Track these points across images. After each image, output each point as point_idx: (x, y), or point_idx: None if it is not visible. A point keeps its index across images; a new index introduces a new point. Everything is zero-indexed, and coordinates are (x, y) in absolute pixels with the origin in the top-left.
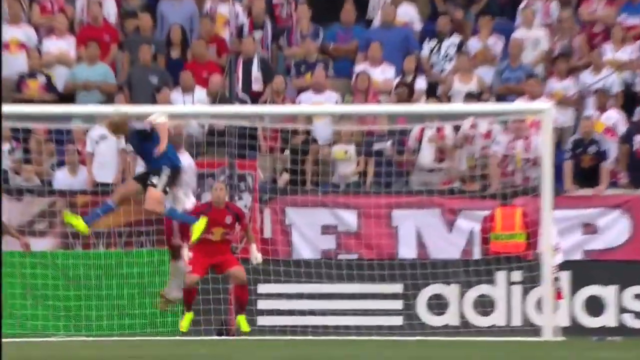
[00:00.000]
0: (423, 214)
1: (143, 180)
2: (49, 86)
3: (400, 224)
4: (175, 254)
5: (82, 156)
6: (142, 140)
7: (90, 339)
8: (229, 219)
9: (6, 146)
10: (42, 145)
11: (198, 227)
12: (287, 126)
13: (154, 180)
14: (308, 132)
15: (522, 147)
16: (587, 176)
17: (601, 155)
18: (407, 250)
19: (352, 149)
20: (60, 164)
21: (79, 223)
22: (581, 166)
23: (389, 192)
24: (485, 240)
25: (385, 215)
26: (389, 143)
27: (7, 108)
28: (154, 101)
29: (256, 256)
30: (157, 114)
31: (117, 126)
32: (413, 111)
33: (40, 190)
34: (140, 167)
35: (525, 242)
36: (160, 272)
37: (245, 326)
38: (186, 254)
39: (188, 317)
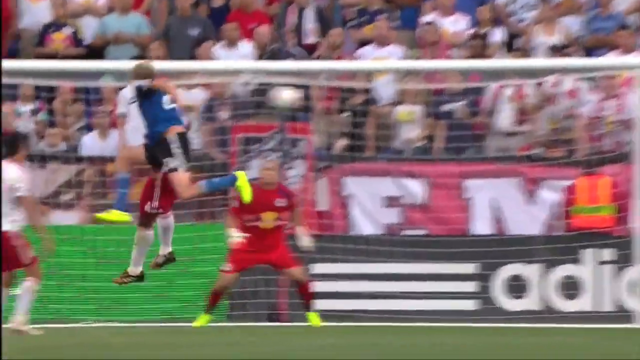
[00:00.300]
0: (500, 184)
1: (154, 160)
2: (76, 39)
3: (474, 195)
4: (147, 222)
5: (113, 118)
6: (142, 98)
7: (124, 324)
8: (280, 202)
9: (29, 106)
10: (69, 105)
11: (243, 185)
12: (344, 84)
13: (172, 164)
14: (368, 91)
15: (613, 107)
16: None
17: None
18: (481, 225)
19: (418, 110)
20: (89, 127)
21: (116, 216)
22: None
23: (461, 159)
24: (566, 214)
25: (457, 186)
26: (460, 103)
27: (29, 64)
28: (193, 56)
29: (305, 241)
30: (287, 92)
31: (145, 71)
32: (489, 67)
33: (67, 156)
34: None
35: (614, 216)
36: (202, 249)
37: (317, 322)
38: (235, 234)
39: (205, 318)
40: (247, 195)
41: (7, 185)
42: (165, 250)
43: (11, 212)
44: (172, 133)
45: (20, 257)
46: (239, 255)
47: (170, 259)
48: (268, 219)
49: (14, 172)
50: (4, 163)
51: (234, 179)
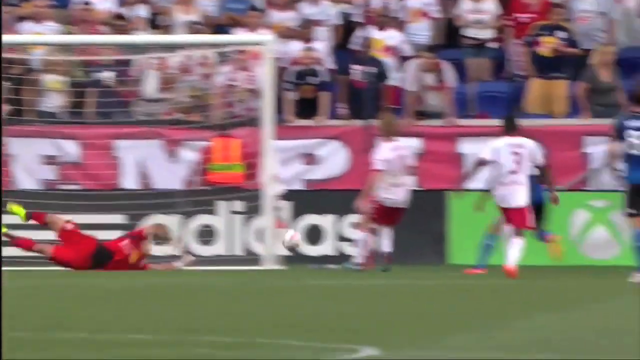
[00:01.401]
0: (145, 145)
1: None
2: None
3: (122, 155)
4: None
5: None
6: None
7: None
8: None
9: None
10: None
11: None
12: (5, 55)
13: None
14: (25, 62)
15: (243, 78)
16: (308, 107)
17: (322, 86)
18: (129, 181)
19: (65, 79)
20: None
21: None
22: (302, 97)
23: (111, 123)
24: (204, 171)
25: (108, 146)
26: (110, 73)
27: None
28: None
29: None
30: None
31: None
32: (135, 42)
33: None
34: None
35: (245, 172)
36: None
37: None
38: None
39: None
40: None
41: None
42: None
43: None
44: None
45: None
46: None
47: None
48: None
49: None
50: None
51: None
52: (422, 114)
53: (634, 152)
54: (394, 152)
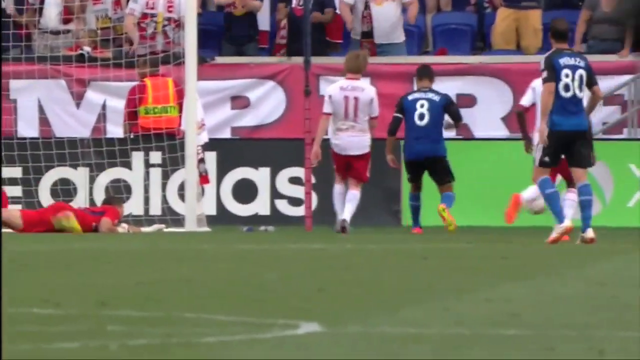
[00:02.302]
0: (46, 85)
1: None
2: None
3: (19, 97)
4: None
5: None
6: None
7: None
8: None
9: None
10: None
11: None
12: None
13: None
14: None
15: (163, 5)
16: (239, 34)
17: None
18: (27, 128)
19: None
20: None
21: None
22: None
23: (6, 59)
24: (132, 115)
25: (2, 87)
26: (5, 2)
27: None
28: None
29: None
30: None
31: None
32: None
33: None
34: None
35: (179, 116)
36: None
37: None
38: None
39: None
40: None
41: None
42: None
43: None
44: None
45: None
46: None
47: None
48: None
49: None
50: None
51: None
52: (369, 36)
53: (567, 94)
54: (345, 92)
